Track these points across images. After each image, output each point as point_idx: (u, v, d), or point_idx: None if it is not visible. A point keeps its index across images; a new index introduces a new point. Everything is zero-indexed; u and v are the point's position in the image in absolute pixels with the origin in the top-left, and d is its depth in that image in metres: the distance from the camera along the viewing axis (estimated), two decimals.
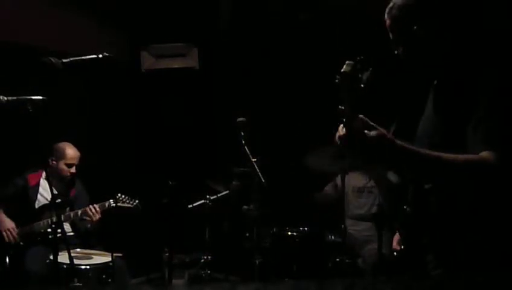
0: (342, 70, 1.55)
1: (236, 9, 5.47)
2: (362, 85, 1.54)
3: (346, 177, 4.24)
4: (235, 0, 5.48)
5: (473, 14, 1.76)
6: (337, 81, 1.54)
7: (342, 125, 1.57)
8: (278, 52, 5.32)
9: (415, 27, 1.70)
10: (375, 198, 4.30)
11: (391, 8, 1.76)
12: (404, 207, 1.65)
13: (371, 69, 1.54)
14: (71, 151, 4.18)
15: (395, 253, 3.84)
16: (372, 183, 4.40)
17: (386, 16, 1.77)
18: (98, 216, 3.96)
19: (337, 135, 1.60)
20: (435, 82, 1.84)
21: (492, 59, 1.74)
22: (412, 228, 1.68)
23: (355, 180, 4.48)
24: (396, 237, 3.89)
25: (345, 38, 4.91)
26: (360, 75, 1.54)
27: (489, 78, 1.66)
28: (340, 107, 1.54)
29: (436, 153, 1.60)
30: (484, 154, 1.57)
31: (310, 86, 5.20)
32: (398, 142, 1.58)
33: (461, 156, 1.59)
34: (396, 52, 1.78)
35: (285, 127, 5.18)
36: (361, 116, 1.56)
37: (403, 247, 3.59)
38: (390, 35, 1.78)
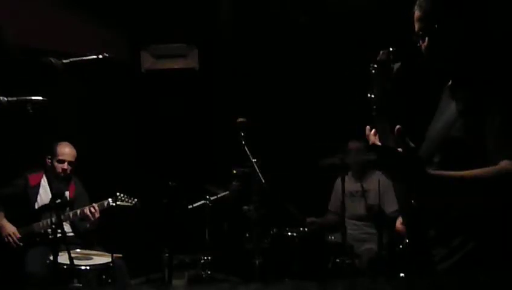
0: (378, 58, 1.55)
1: (236, 10, 5.47)
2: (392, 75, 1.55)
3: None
4: (235, 1, 5.49)
5: (484, 15, 1.75)
6: (371, 69, 1.55)
7: (372, 129, 1.57)
8: (277, 53, 5.32)
9: (443, 21, 1.69)
10: (366, 202, 4.36)
11: (422, 0, 1.74)
12: (411, 201, 1.63)
13: (400, 62, 1.54)
14: (62, 148, 4.19)
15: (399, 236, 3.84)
16: (366, 187, 4.42)
17: (416, 7, 1.76)
18: (97, 215, 3.96)
19: (369, 137, 1.58)
20: (449, 83, 1.82)
21: (504, 61, 1.74)
22: (418, 221, 1.67)
23: (348, 184, 4.46)
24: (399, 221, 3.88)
25: (345, 41, 4.91)
26: (392, 65, 1.53)
27: (504, 82, 1.65)
28: (369, 95, 1.53)
29: (459, 174, 1.56)
30: (504, 163, 1.56)
31: (310, 87, 5.21)
32: (428, 170, 1.53)
33: (481, 170, 1.56)
34: (419, 44, 1.76)
35: (285, 128, 5.18)
36: (399, 126, 1.50)
37: (407, 240, 3.58)
38: (417, 27, 1.75)
